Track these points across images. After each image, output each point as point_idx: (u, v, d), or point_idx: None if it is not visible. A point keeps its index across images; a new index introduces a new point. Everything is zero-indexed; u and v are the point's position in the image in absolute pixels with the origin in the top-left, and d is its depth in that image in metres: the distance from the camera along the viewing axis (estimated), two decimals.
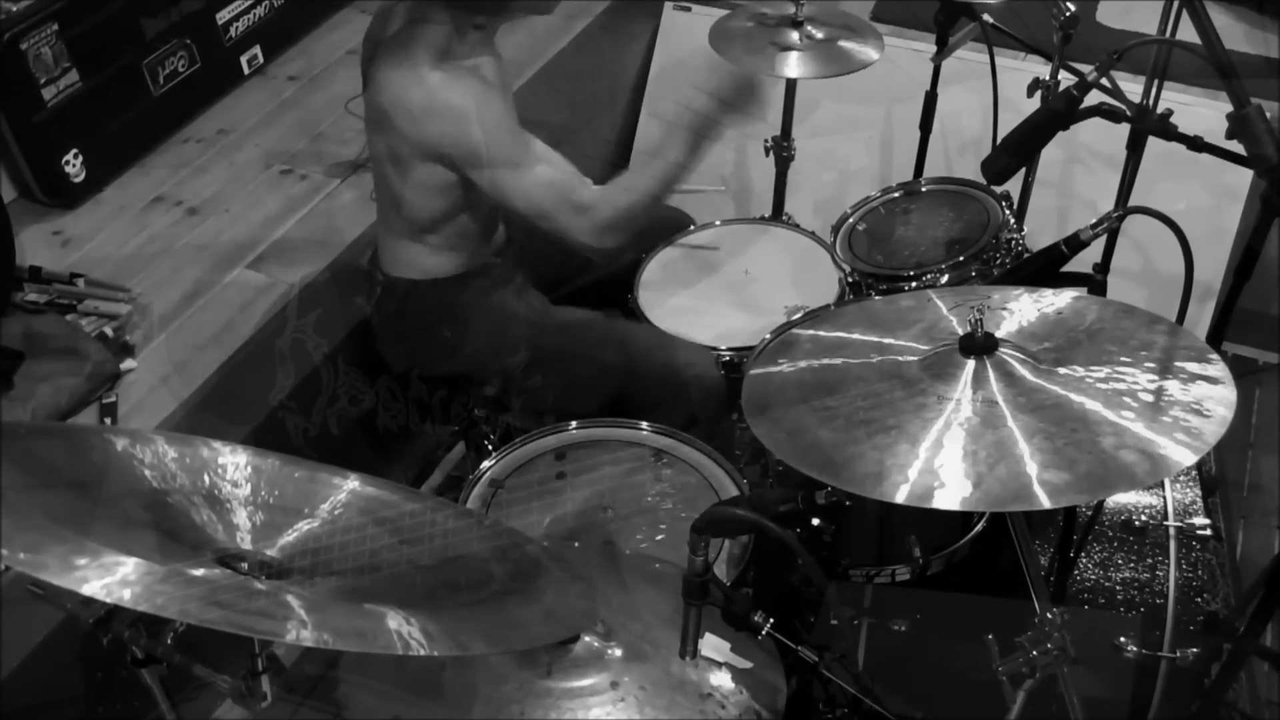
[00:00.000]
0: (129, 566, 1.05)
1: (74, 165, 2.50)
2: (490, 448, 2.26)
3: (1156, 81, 2.05)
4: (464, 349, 2.23)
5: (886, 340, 1.46)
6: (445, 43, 1.94)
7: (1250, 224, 2.20)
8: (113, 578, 1.02)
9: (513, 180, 1.97)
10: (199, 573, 1.12)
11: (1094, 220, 1.71)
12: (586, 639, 1.47)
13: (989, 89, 2.34)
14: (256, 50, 2.93)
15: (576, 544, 1.82)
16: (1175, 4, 1.93)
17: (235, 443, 1.42)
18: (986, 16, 2.27)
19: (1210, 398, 1.25)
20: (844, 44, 2.47)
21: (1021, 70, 2.52)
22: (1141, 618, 1.91)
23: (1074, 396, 1.27)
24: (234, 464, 1.39)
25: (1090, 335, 1.39)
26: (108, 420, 2.08)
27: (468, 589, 1.33)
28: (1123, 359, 1.33)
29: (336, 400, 2.32)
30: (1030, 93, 2.07)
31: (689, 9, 3.34)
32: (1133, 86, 1.87)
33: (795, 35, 2.46)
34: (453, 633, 1.17)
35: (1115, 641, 1.68)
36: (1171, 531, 1.88)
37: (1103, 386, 1.28)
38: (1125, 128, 1.85)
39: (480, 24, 1.97)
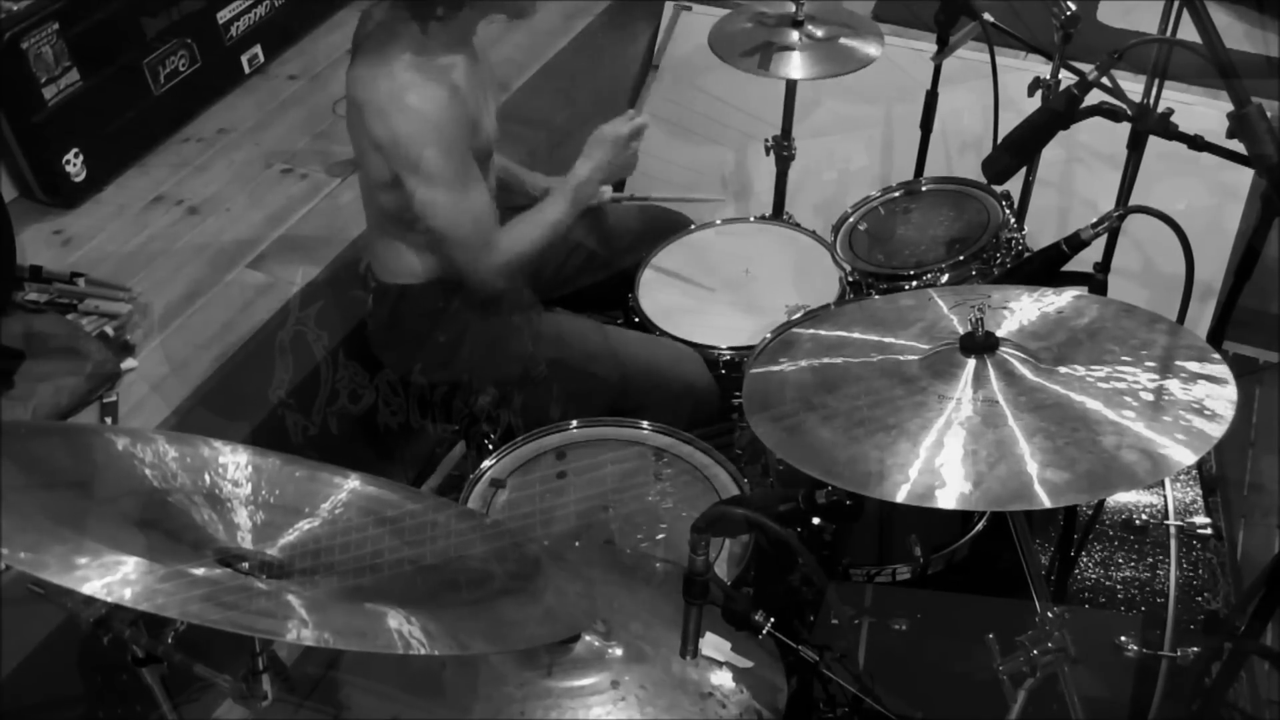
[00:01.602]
0: (129, 566, 1.05)
1: (74, 164, 2.50)
2: (491, 447, 2.26)
3: (1157, 81, 2.05)
4: (459, 356, 2.23)
5: (887, 339, 1.46)
6: (418, 41, 1.95)
7: (1251, 223, 2.20)
8: (113, 577, 1.03)
9: (443, 200, 1.99)
10: (200, 572, 1.12)
11: (1094, 219, 1.71)
12: (587, 638, 1.46)
13: (989, 88, 2.34)
14: (257, 50, 2.93)
15: (577, 543, 1.82)
16: (1176, 3, 1.93)
17: (235, 442, 1.42)
18: (987, 16, 2.27)
19: (1211, 397, 1.25)
20: (844, 43, 2.47)
21: (1022, 69, 2.51)
22: (1142, 617, 1.91)
23: (1075, 396, 1.27)
24: (235, 463, 1.39)
25: (1091, 334, 1.39)
26: (108, 420, 2.08)
27: (468, 588, 1.33)
28: (1123, 358, 1.33)
29: (337, 397, 2.31)
30: (1031, 92, 2.07)
31: (689, 8, 3.34)
32: (1133, 86, 1.87)
33: (795, 35, 2.46)
34: (453, 632, 1.17)
35: (1116, 641, 1.68)
36: (1172, 530, 1.87)
37: (1103, 386, 1.28)
38: (1126, 127, 1.84)
39: (439, 15, 1.96)
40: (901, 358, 1.40)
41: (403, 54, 1.93)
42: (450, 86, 1.95)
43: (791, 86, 2.64)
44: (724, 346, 2.21)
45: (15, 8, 2.32)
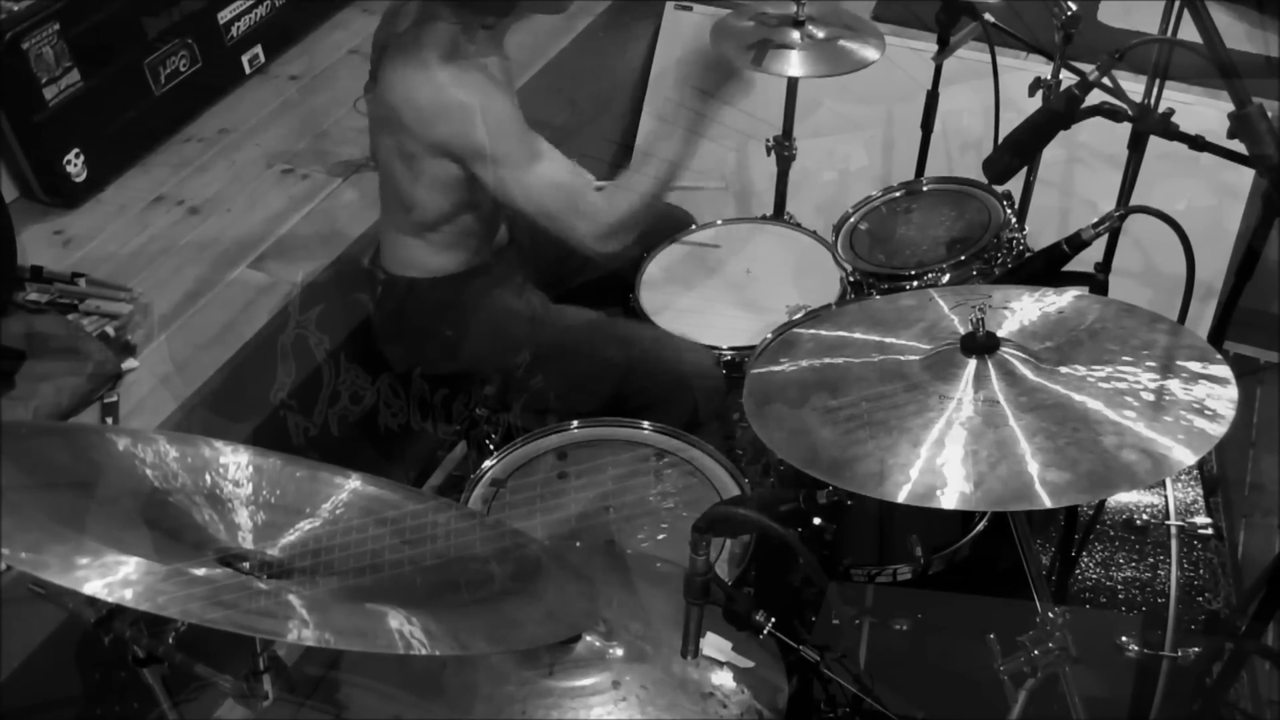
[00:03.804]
0: (130, 566, 1.05)
1: (75, 165, 2.50)
2: (492, 447, 2.26)
3: (1158, 81, 2.05)
4: (465, 347, 2.24)
5: (888, 339, 1.46)
6: (453, 42, 1.95)
7: (1251, 223, 2.20)
8: (114, 577, 1.03)
9: (519, 179, 1.97)
10: (201, 572, 1.12)
11: (1095, 219, 1.71)
12: (588, 638, 1.47)
13: (990, 88, 2.34)
14: (258, 50, 2.93)
15: (578, 543, 1.82)
16: (1176, 3, 1.93)
17: (237, 442, 1.42)
18: (988, 16, 2.27)
19: (1212, 397, 1.25)
20: (845, 44, 2.47)
21: (1023, 70, 2.51)
22: (1143, 617, 1.91)
23: (1075, 396, 1.27)
24: (235, 463, 1.39)
25: (1092, 334, 1.39)
26: (109, 420, 2.08)
27: (469, 589, 1.33)
28: (1124, 358, 1.33)
29: (338, 399, 2.31)
30: (1032, 92, 2.07)
31: (690, 8, 3.34)
32: (1134, 86, 1.87)
33: (796, 35, 2.46)
34: (454, 632, 1.17)
35: (1117, 641, 1.68)
36: (1173, 530, 1.87)
37: (1104, 386, 1.28)
38: (1126, 127, 1.84)
39: (489, 24, 1.98)
40: (902, 358, 1.40)
41: (438, 54, 1.93)
42: (490, 76, 1.95)
43: (792, 87, 2.65)
44: (725, 346, 2.21)
45: (16, 8, 2.32)
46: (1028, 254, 2.19)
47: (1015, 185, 2.18)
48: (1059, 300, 1.47)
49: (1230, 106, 1.46)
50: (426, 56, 1.93)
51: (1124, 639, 1.69)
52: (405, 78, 1.94)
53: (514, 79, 2.17)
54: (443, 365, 2.29)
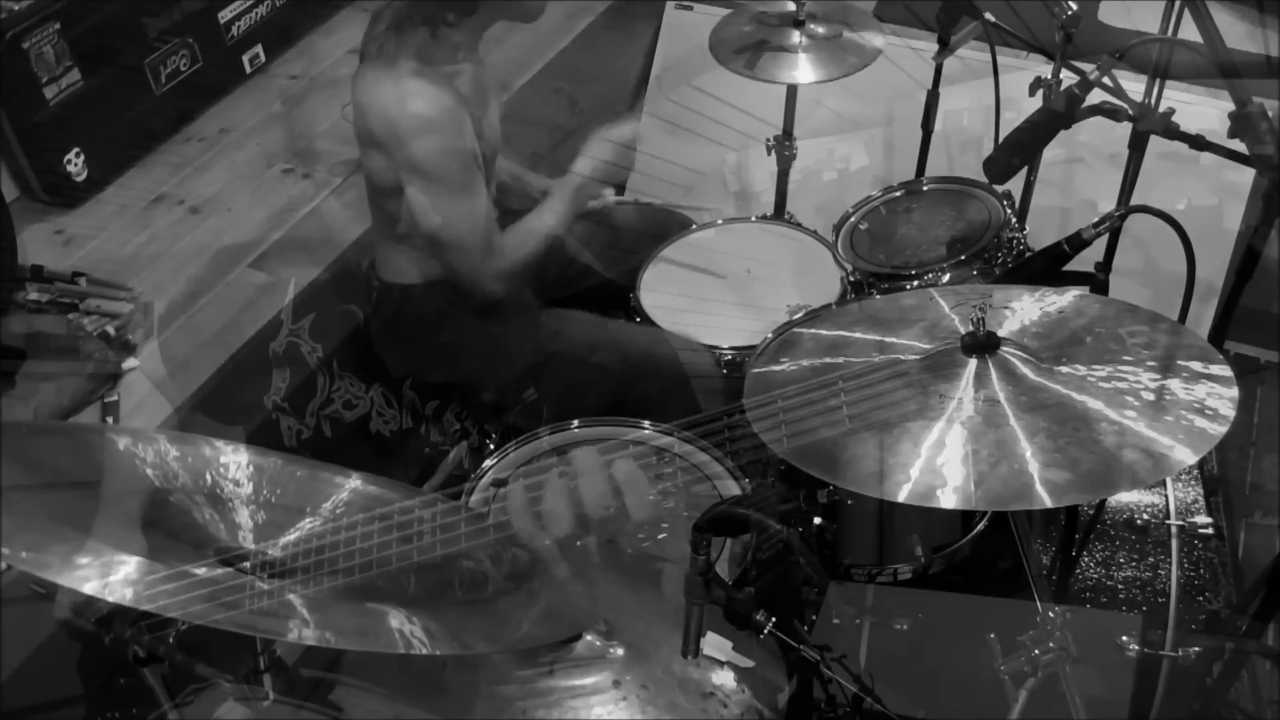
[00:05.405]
0: (131, 565, 1.05)
1: (76, 164, 2.50)
2: (491, 447, 2.26)
3: (1158, 80, 2.05)
4: (462, 358, 2.23)
5: (888, 339, 1.46)
6: (424, 46, 1.95)
7: (1252, 222, 2.20)
8: (115, 577, 1.03)
9: (447, 205, 2.00)
10: (201, 572, 1.12)
11: (1096, 219, 1.71)
12: (588, 638, 1.46)
13: (991, 88, 2.34)
14: (258, 49, 2.93)
15: (578, 543, 1.81)
16: (1177, 3, 1.93)
17: (236, 441, 1.42)
18: (988, 15, 2.27)
19: (1212, 396, 1.25)
20: (845, 43, 2.46)
21: (1023, 69, 2.51)
22: (1143, 616, 1.90)
23: (1076, 395, 1.27)
24: (236, 463, 1.39)
25: (1092, 334, 1.39)
26: (109, 419, 2.08)
27: (469, 588, 1.33)
28: (1125, 358, 1.33)
29: (330, 404, 2.32)
30: (1032, 92, 2.07)
31: (691, 8, 3.34)
32: (1134, 85, 1.87)
33: (796, 35, 2.46)
34: (454, 631, 1.17)
35: (1117, 640, 1.68)
36: (1173, 530, 1.87)
37: (1105, 385, 1.28)
38: (1127, 127, 1.85)
39: (450, 21, 1.97)
40: (903, 357, 1.40)
41: (409, 60, 1.93)
42: (456, 93, 1.95)
43: (793, 87, 2.64)
44: (725, 346, 2.21)
45: (17, 7, 2.32)
46: (1028, 254, 2.18)
47: (1016, 185, 2.18)
48: (1059, 300, 1.47)
49: (1230, 106, 1.46)
50: (399, 62, 1.94)
51: (1124, 639, 1.69)
52: (375, 80, 1.96)
53: (489, 86, 2.17)
54: (440, 373, 2.29)
